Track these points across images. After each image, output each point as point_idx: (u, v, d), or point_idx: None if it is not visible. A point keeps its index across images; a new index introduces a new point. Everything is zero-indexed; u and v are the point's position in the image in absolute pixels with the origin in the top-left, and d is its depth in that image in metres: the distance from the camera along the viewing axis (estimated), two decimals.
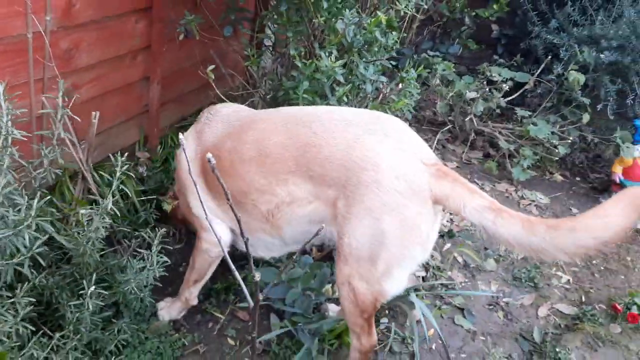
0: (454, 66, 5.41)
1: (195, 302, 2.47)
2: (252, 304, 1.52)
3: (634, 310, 2.92)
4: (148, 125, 3.16)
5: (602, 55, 3.92)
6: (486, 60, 5.18)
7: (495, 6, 4.93)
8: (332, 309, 2.61)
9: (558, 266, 3.37)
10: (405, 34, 3.83)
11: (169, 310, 2.45)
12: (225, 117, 2.28)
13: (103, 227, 1.93)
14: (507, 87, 4.20)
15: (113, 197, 1.96)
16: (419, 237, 1.90)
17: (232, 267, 1.41)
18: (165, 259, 2.10)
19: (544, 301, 3.08)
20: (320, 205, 1.98)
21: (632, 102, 3.98)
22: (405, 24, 5.23)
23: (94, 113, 2.14)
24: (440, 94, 4.35)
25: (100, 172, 2.56)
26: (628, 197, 1.69)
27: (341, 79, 2.44)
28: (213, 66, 2.55)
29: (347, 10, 2.28)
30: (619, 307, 2.95)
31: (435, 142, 4.31)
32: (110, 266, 2.20)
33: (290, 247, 2.29)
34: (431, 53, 4.53)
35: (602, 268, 3.45)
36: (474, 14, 5.16)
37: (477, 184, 4.07)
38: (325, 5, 2.30)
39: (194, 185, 1.52)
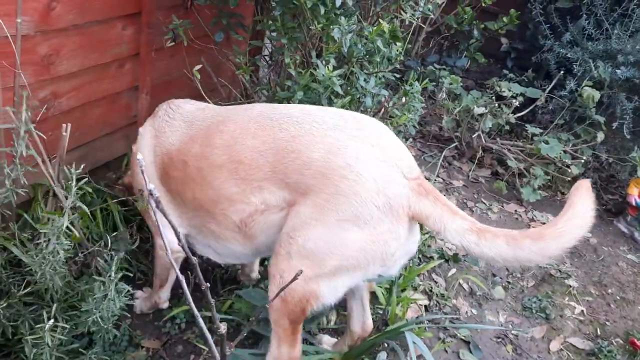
0: (460, 80, 5.25)
1: (164, 306, 2.40)
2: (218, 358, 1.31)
3: None
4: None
5: (618, 71, 3.72)
6: (495, 74, 5.01)
7: (505, 19, 4.75)
8: (327, 341, 2.41)
9: (571, 295, 3.15)
10: (409, 46, 3.63)
11: (141, 304, 2.43)
12: (188, 115, 2.10)
13: (62, 249, 1.73)
14: (517, 103, 4.00)
15: (73, 213, 1.77)
16: (383, 254, 1.76)
17: (191, 304, 1.21)
18: (127, 287, 1.90)
19: (557, 334, 2.86)
20: (289, 212, 1.83)
21: None
22: (411, 35, 5.07)
23: (64, 125, 1.96)
24: (447, 109, 4.15)
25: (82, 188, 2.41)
26: (583, 190, 1.71)
27: (339, 90, 2.25)
28: (199, 66, 2.36)
29: (344, 17, 2.09)
30: (638, 342, 2.72)
31: (441, 158, 4.10)
32: (82, 292, 2.01)
33: (261, 254, 2.14)
34: (437, 66, 4.33)
35: (618, 298, 3.23)
36: (482, 26, 4.98)
37: (485, 204, 3.86)
38: (322, 11, 2.12)
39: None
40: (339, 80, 2.27)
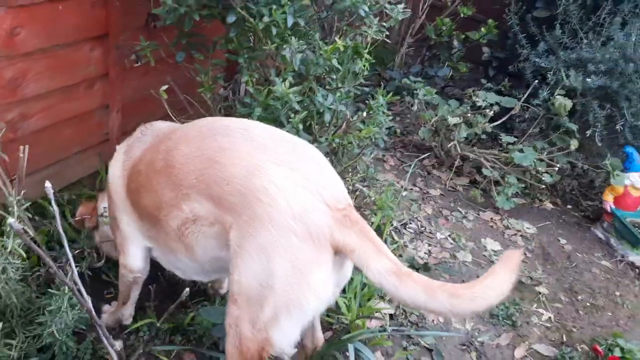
0: (445, 89, 5.32)
1: (128, 322, 2.46)
2: None
3: (617, 353, 2.74)
4: (109, 155, 3.05)
5: (588, 80, 3.77)
6: (480, 83, 5.06)
7: (483, 29, 4.82)
8: (290, 352, 2.46)
9: (540, 302, 3.19)
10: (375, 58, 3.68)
11: (107, 318, 2.49)
12: (156, 131, 2.19)
13: (13, 269, 1.80)
14: (492, 112, 4.06)
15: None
16: (311, 285, 1.73)
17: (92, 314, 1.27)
18: (84, 299, 1.96)
19: (522, 341, 2.90)
20: (221, 230, 1.85)
21: (622, 127, 3.81)
22: (394, 46, 5.15)
23: (22, 147, 2.04)
24: (423, 119, 4.22)
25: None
26: (511, 263, 1.72)
27: (297, 107, 2.32)
28: (166, 86, 2.44)
29: (294, 37, 2.17)
30: (600, 349, 2.76)
31: (417, 167, 4.15)
32: (43, 307, 2.08)
33: (215, 275, 2.19)
34: (413, 78, 4.39)
35: (587, 304, 3.27)
36: (463, 36, 5.06)
37: (461, 212, 3.91)
38: (275, 32, 2.19)
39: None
40: (296, 97, 2.34)
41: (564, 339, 2.95)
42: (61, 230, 1.09)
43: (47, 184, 1.06)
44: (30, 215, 2.30)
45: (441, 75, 5.07)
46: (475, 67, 5.91)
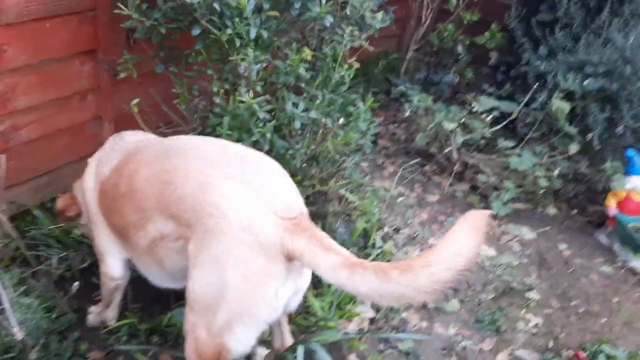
0: (457, 96, 5.30)
1: (112, 322, 2.55)
2: None
3: (601, 359, 2.68)
4: None
5: (586, 82, 3.71)
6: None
7: (487, 34, 4.80)
8: (260, 353, 2.52)
9: (528, 308, 3.15)
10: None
11: (93, 318, 2.58)
12: (124, 147, 2.26)
13: None
14: (491, 117, 4.04)
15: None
16: (264, 294, 1.77)
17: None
18: (27, 300, 2.09)
19: (505, 346, 2.87)
20: (185, 243, 1.91)
21: (622, 131, 3.73)
22: (399, 53, 5.18)
23: (1, 156, 2.19)
24: (420, 126, 4.23)
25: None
26: (470, 220, 1.64)
27: (264, 116, 2.39)
28: (137, 100, 2.56)
29: (250, 49, 2.25)
30: (582, 355, 2.71)
31: (402, 169, 4.15)
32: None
33: (185, 282, 2.26)
34: (409, 85, 4.41)
35: (580, 310, 3.20)
36: (468, 42, 5.04)
37: (457, 218, 3.88)
38: (238, 43, 2.28)
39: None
40: (263, 105, 2.41)
41: (550, 345, 2.91)
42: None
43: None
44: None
45: (446, 82, 5.06)
46: (489, 72, 5.86)
